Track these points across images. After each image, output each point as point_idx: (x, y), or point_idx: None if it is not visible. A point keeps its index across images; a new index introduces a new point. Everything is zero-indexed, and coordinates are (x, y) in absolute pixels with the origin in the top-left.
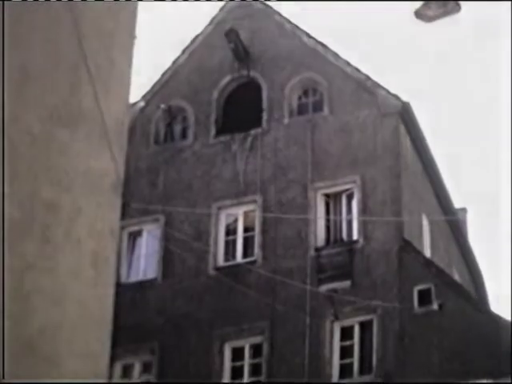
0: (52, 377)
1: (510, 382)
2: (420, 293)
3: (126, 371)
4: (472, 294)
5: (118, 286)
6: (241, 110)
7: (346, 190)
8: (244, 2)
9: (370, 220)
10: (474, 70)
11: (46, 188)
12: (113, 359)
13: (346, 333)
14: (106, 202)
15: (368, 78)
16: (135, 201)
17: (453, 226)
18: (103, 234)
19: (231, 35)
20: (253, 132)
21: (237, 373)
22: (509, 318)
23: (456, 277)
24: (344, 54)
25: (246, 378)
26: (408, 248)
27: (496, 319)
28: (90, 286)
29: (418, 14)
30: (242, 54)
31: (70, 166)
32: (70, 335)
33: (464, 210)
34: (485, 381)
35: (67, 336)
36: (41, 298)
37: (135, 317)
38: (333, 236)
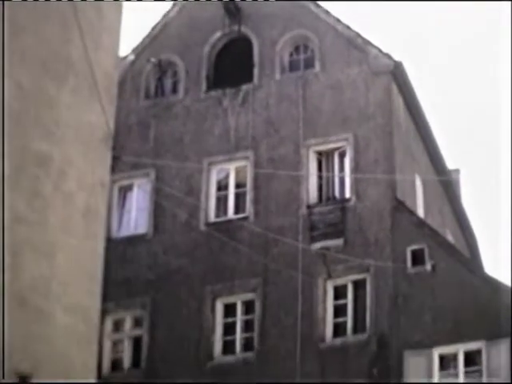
0: (43, 328)
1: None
2: (413, 253)
3: (117, 326)
4: (465, 255)
5: (109, 240)
6: (232, 65)
7: (338, 147)
8: None
9: (363, 178)
10: (471, 28)
11: (35, 141)
12: (104, 313)
13: (340, 291)
14: (96, 155)
15: (358, 35)
16: (126, 155)
17: (446, 186)
18: (93, 187)
19: None
20: (244, 87)
21: (229, 329)
22: (502, 280)
23: (449, 238)
24: (335, 12)
25: (238, 335)
26: (401, 208)
27: (489, 281)
28: (81, 239)
29: None
30: (233, 10)
31: (60, 119)
32: (60, 288)
33: (457, 171)
34: (477, 342)
35: (58, 289)
36: (31, 251)
37: (126, 271)
38: (325, 194)
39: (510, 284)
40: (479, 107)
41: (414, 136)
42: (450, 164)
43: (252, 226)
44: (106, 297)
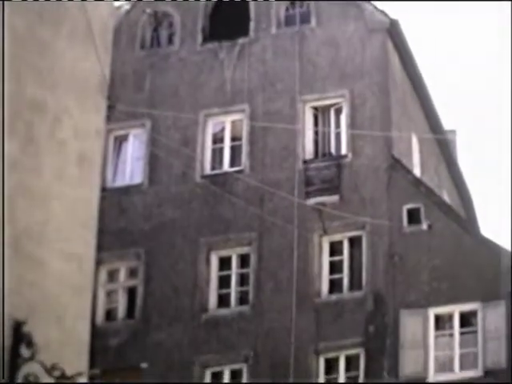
0: (37, 275)
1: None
2: (409, 212)
3: (112, 276)
4: (462, 216)
5: (104, 190)
6: (228, 18)
7: (335, 104)
8: None
9: (359, 135)
10: None
11: (30, 87)
12: (98, 263)
13: (335, 248)
14: (91, 103)
15: None
16: (121, 104)
17: (442, 146)
18: (88, 134)
19: None
20: (240, 41)
21: (224, 282)
22: (497, 242)
23: (446, 198)
24: None
25: (233, 288)
26: (397, 166)
27: (485, 242)
28: (75, 186)
29: None
30: None
31: (55, 66)
32: (55, 235)
33: (453, 132)
34: (473, 304)
35: (52, 236)
36: (25, 197)
37: (121, 222)
38: (321, 149)
39: (506, 245)
40: (478, 70)
41: (410, 95)
42: (446, 125)
43: (247, 179)
44: (100, 247)
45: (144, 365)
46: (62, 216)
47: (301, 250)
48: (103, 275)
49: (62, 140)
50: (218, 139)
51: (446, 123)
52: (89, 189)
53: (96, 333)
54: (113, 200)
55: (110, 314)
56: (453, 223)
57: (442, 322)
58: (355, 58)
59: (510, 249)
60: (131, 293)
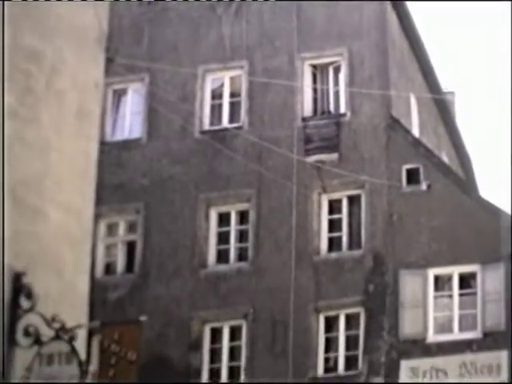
0: (36, 226)
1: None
2: (408, 172)
3: (111, 229)
4: (461, 177)
5: (103, 144)
6: None
7: (333, 62)
8: None
9: (358, 94)
10: None
11: (27, 36)
12: (97, 217)
13: (334, 206)
14: (89, 54)
15: None
16: (120, 58)
17: (441, 108)
18: (87, 87)
19: None
20: None
21: (223, 238)
22: (497, 204)
23: (445, 159)
24: None
25: (232, 244)
26: (396, 126)
27: (485, 204)
28: (74, 138)
29: None
30: None
31: (53, 17)
32: (53, 187)
33: (452, 93)
34: (473, 265)
35: (51, 188)
36: (23, 148)
37: (120, 176)
38: (320, 107)
39: (505, 208)
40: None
41: (408, 55)
42: (445, 86)
43: (246, 135)
44: (99, 200)
45: (143, 318)
46: (60, 168)
47: (300, 207)
48: (102, 229)
49: (60, 91)
50: (216, 95)
51: (445, 85)
52: (87, 141)
53: (95, 286)
54: (111, 154)
55: (109, 268)
56: (452, 184)
57: (441, 283)
58: (353, 18)
59: (509, 211)
60: (130, 247)
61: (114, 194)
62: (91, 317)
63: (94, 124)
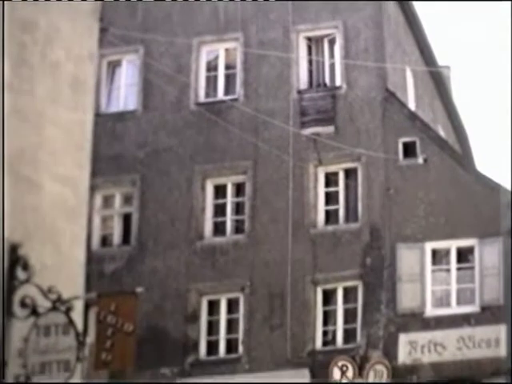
0: (32, 198)
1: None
2: (405, 145)
3: (107, 202)
4: (457, 151)
5: (98, 115)
6: None
7: (328, 34)
8: None
9: (353, 67)
10: None
11: (21, 7)
12: (93, 189)
13: (331, 179)
14: (83, 25)
15: None
16: (114, 29)
17: (437, 82)
18: (81, 58)
19: None
20: None
21: (219, 210)
22: (493, 178)
23: (441, 133)
24: None
25: (228, 216)
26: (392, 99)
27: (481, 179)
28: (69, 109)
29: None
30: None
31: None
32: (49, 158)
33: (448, 67)
34: (470, 240)
35: (47, 159)
36: (19, 119)
37: (115, 148)
38: (315, 80)
39: (505, 184)
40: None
41: (404, 29)
42: (441, 61)
43: (242, 107)
44: (95, 172)
45: (140, 289)
46: (56, 139)
47: (296, 179)
48: (98, 201)
49: (54, 62)
50: (211, 67)
51: (441, 60)
52: (83, 112)
53: (92, 258)
54: (107, 126)
55: (105, 240)
56: (449, 158)
57: (438, 257)
58: None
59: (508, 187)
60: (127, 219)
61: (110, 165)
62: (88, 289)
63: (89, 95)
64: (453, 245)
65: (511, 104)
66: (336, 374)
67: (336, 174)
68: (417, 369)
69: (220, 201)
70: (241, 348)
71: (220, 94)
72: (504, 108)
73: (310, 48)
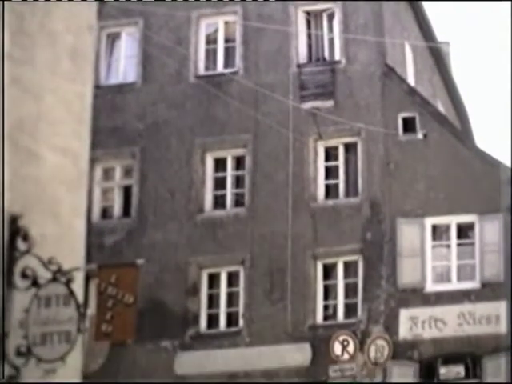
0: (32, 169)
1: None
2: (404, 120)
3: (107, 174)
4: (457, 127)
5: (97, 88)
6: None
7: (327, 9)
8: None
9: (352, 41)
10: None
11: None
12: (93, 161)
13: (331, 154)
14: None
15: None
16: (113, 1)
17: (436, 58)
18: (80, 29)
19: None
20: None
21: (219, 183)
22: (493, 155)
23: (441, 109)
24: None
25: (228, 189)
26: (391, 74)
27: (482, 155)
28: (69, 80)
29: None
30: None
31: None
32: (49, 129)
33: (447, 43)
34: (470, 216)
35: (46, 130)
36: (19, 89)
37: (115, 120)
38: (314, 54)
39: (505, 161)
40: None
41: (403, 5)
42: (440, 37)
43: (242, 80)
44: (95, 144)
45: (140, 261)
46: (55, 110)
47: (296, 153)
48: (98, 173)
49: (53, 33)
50: (211, 40)
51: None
52: (82, 84)
53: (92, 230)
54: (106, 98)
55: (105, 213)
56: (448, 134)
57: (439, 233)
58: None
59: (507, 164)
60: (127, 192)
61: (110, 138)
62: (88, 261)
63: (89, 66)
64: (453, 221)
65: (511, 80)
66: (337, 349)
67: (336, 148)
68: (417, 344)
69: (220, 174)
70: (241, 321)
71: (219, 66)
72: (504, 85)
73: (308, 22)
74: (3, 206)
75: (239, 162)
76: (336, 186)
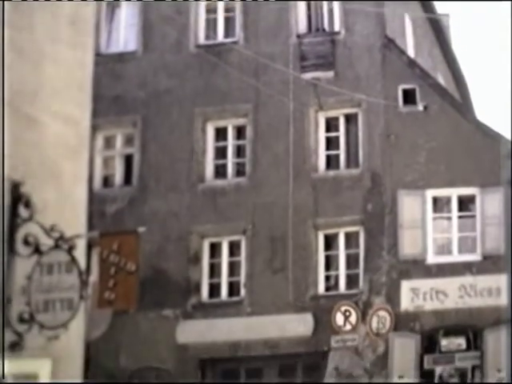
0: (34, 136)
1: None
2: (404, 92)
3: (109, 142)
4: (457, 99)
5: (98, 56)
6: None
7: None
8: None
9: (352, 12)
10: None
11: None
12: (94, 129)
13: (331, 124)
14: None
15: None
16: None
17: (436, 30)
18: None
19: None
20: None
21: (220, 153)
22: (494, 128)
23: (441, 81)
24: None
25: (229, 159)
26: (391, 45)
27: (482, 128)
28: (69, 47)
29: None
30: None
31: None
32: (50, 96)
33: (447, 16)
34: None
35: (47, 97)
36: (18, 56)
37: (116, 88)
38: (314, 25)
39: (501, 132)
40: None
41: None
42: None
43: (242, 49)
44: (96, 112)
45: (142, 229)
46: (56, 78)
47: (297, 124)
48: (100, 141)
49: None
50: (211, 9)
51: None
52: (83, 51)
53: (94, 199)
54: (107, 66)
55: (107, 181)
56: (449, 106)
57: (440, 205)
58: None
59: (508, 136)
60: (128, 160)
61: (111, 106)
62: (90, 229)
63: (89, 33)
64: (454, 193)
65: (511, 29)
66: (339, 320)
67: (336, 119)
68: (419, 316)
69: (221, 143)
70: (243, 291)
71: (220, 36)
72: (504, 57)
73: None
74: (3, 173)
75: (240, 132)
76: (337, 156)
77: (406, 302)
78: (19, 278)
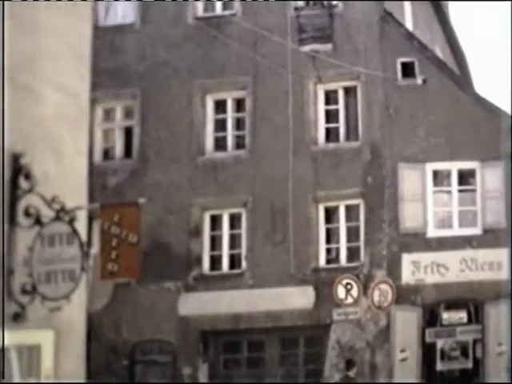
0: (34, 108)
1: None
2: (403, 65)
3: (108, 115)
4: (456, 73)
5: (96, 28)
6: None
7: None
8: None
9: None
10: None
11: None
12: (94, 102)
13: (330, 97)
14: None
15: None
16: None
17: (434, 3)
18: None
19: None
20: None
21: (220, 125)
22: (493, 101)
23: (439, 55)
24: None
25: (229, 131)
26: (389, 19)
27: (482, 102)
28: (67, 17)
29: None
30: None
31: None
32: (49, 68)
33: None
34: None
35: (47, 68)
36: (17, 27)
37: (114, 61)
38: None
39: (501, 106)
40: None
41: None
42: None
43: (241, 22)
44: (95, 85)
45: (142, 200)
46: (55, 48)
47: (296, 96)
48: (99, 114)
49: None
50: None
51: None
52: (81, 21)
53: (94, 171)
54: (105, 39)
55: (107, 154)
56: (448, 80)
57: (440, 178)
58: None
59: (508, 111)
60: (128, 133)
61: (110, 78)
62: (91, 202)
63: (87, 4)
64: (454, 167)
65: (511, 29)
66: (341, 293)
67: (335, 91)
68: (420, 289)
69: (220, 116)
70: (244, 263)
71: (218, 8)
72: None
73: None
74: (3, 145)
75: (239, 104)
76: (336, 129)
77: (407, 276)
78: (21, 249)
